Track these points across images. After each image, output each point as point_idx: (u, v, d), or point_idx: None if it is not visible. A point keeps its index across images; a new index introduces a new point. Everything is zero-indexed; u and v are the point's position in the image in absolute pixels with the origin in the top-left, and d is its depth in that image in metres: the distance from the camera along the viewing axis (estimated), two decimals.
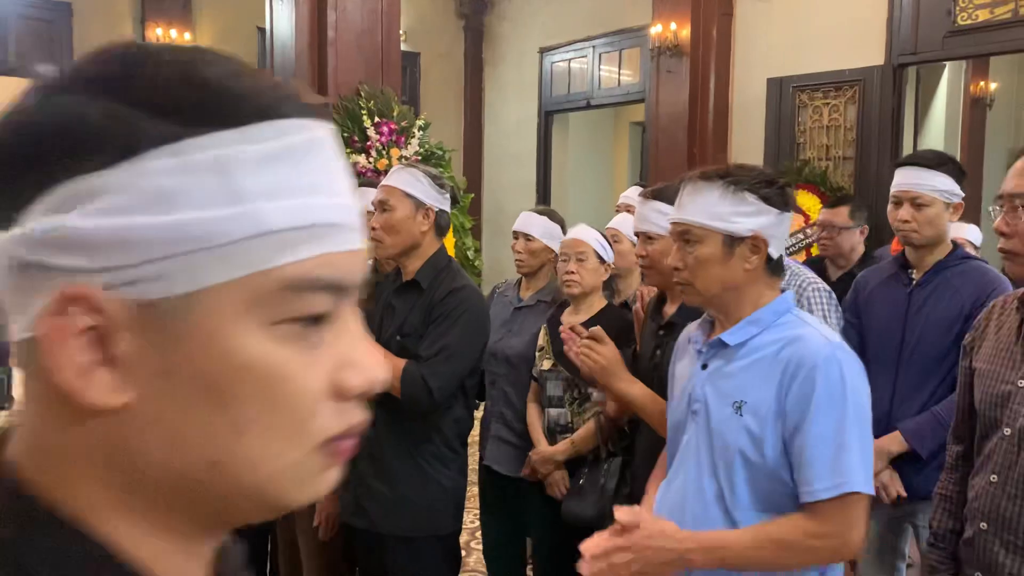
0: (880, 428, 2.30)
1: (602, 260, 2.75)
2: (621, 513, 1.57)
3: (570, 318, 2.72)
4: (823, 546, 1.49)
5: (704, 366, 1.65)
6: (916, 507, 2.40)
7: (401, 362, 2.37)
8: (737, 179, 1.58)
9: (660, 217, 2.03)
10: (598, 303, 2.75)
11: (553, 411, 2.75)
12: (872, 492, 1.51)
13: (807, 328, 1.57)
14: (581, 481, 2.56)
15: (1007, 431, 1.58)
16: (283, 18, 4.51)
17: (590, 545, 1.56)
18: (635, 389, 2.10)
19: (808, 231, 5.24)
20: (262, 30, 4.82)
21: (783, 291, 1.66)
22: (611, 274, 2.84)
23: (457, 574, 2.64)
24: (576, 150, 8.73)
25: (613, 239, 2.87)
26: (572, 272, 2.69)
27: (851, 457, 1.47)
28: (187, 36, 7.14)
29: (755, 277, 1.61)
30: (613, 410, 2.47)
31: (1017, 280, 1.62)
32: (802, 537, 1.49)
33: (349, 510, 2.53)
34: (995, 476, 1.60)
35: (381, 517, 2.45)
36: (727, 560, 1.53)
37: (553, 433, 2.74)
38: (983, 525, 1.61)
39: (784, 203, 1.61)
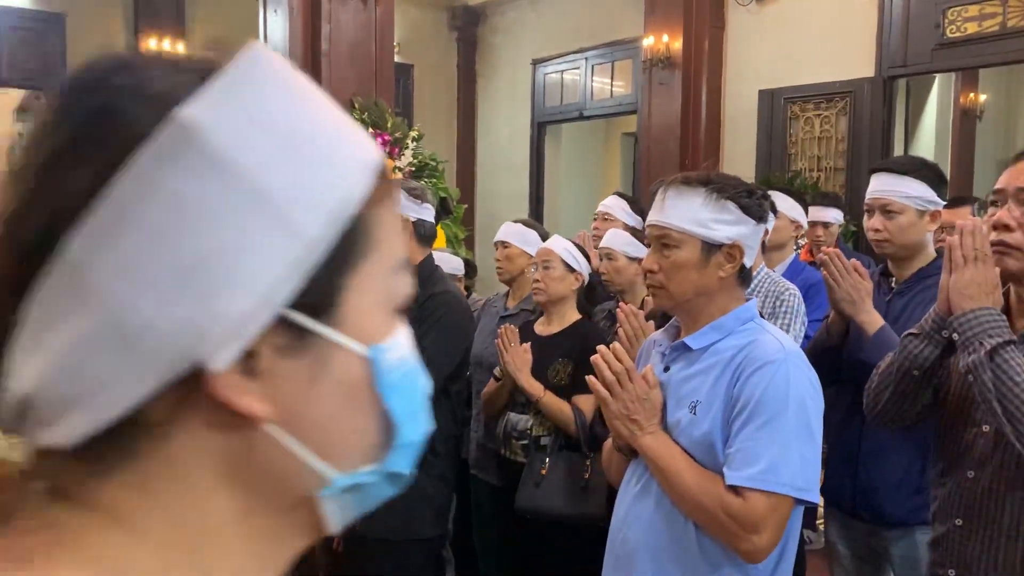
0: (855, 435, 2.29)
1: (571, 269, 2.74)
2: (650, 373, 1.64)
3: (541, 329, 2.78)
4: (729, 527, 1.49)
5: (666, 368, 1.67)
6: (888, 535, 2.32)
7: None
8: (720, 187, 1.59)
9: None
10: (571, 315, 2.76)
11: (514, 416, 2.73)
12: (813, 501, 1.51)
13: (766, 335, 1.59)
14: (543, 471, 2.54)
15: (985, 427, 1.59)
16: (277, 29, 4.52)
17: (609, 360, 1.62)
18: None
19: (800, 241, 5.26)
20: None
21: (748, 299, 1.68)
22: (616, 290, 2.86)
23: None
24: (568, 161, 8.76)
25: (607, 256, 2.86)
26: (538, 280, 2.74)
27: (788, 460, 1.48)
28: (181, 48, 7.15)
29: (727, 285, 1.63)
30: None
31: (1011, 278, 1.61)
32: (719, 510, 1.49)
33: None
34: (972, 472, 1.61)
35: (363, 521, 2.45)
36: (660, 473, 1.58)
37: (509, 438, 2.72)
38: (958, 521, 1.62)
39: (761, 214, 1.63)
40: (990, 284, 1.52)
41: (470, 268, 3.50)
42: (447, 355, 2.48)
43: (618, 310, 2.22)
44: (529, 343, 2.65)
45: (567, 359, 2.63)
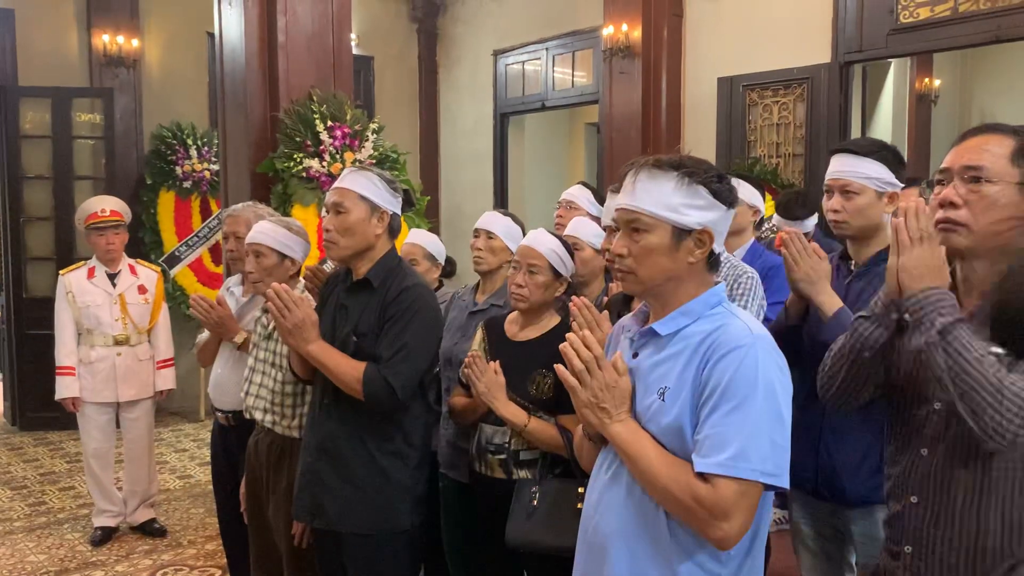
0: (817, 416, 2.30)
1: (558, 275, 2.57)
2: (620, 361, 1.62)
3: (515, 331, 2.61)
4: (698, 514, 1.48)
5: (635, 355, 1.66)
6: (850, 514, 2.35)
7: (361, 365, 2.37)
8: (692, 171, 1.58)
9: None
10: (549, 320, 2.58)
11: (489, 428, 2.54)
12: (784, 486, 1.51)
13: (734, 320, 1.58)
14: (534, 502, 2.35)
15: (937, 405, 1.61)
16: (232, 23, 4.45)
17: (578, 348, 1.59)
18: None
19: (763, 228, 5.30)
20: (212, 35, 4.77)
21: (717, 284, 1.67)
22: (574, 282, 2.71)
23: (419, 570, 2.63)
24: (532, 151, 8.76)
25: (573, 246, 2.71)
26: (521, 285, 2.54)
27: (758, 445, 1.47)
28: (135, 43, 7.03)
29: (696, 270, 1.62)
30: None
31: (957, 255, 1.63)
32: (689, 497, 1.48)
33: (306, 511, 2.52)
34: (925, 450, 1.63)
35: (339, 516, 2.45)
36: (630, 461, 1.57)
37: (484, 453, 2.53)
38: (913, 499, 1.64)
39: (731, 200, 1.63)
40: (937, 263, 1.54)
41: (450, 265, 3.44)
42: (427, 347, 2.47)
43: (571, 304, 2.20)
44: (498, 361, 2.47)
45: (548, 369, 2.38)
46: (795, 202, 4.45)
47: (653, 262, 1.60)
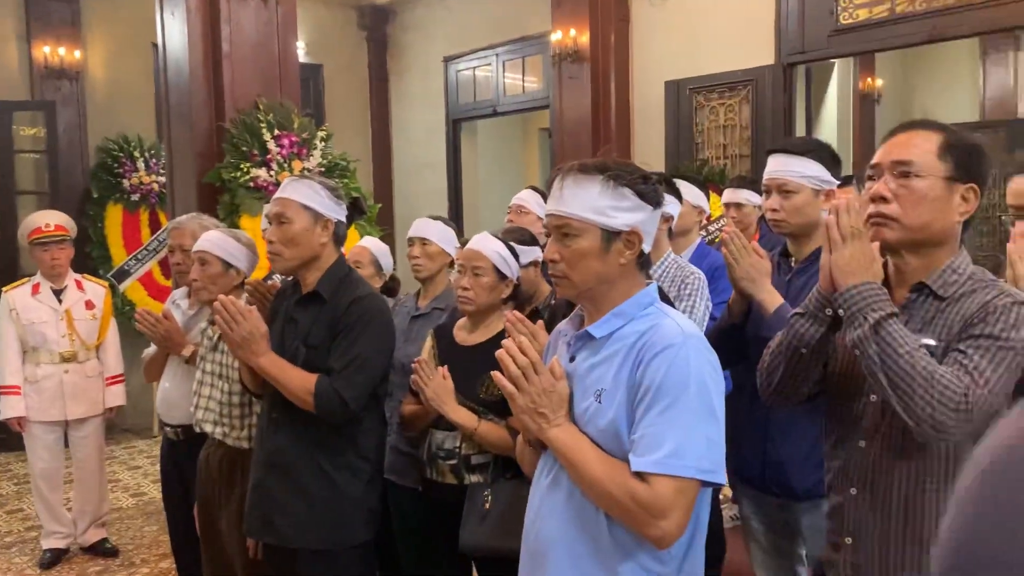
0: (763, 412, 2.33)
1: (503, 276, 2.56)
2: (557, 365, 1.63)
3: (464, 336, 2.60)
4: (636, 514, 1.49)
5: (572, 358, 1.67)
6: (798, 507, 2.39)
7: (312, 377, 2.35)
8: (616, 174, 1.59)
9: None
10: (498, 323, 2.53)
11: (440, 434, 2.51)
12: (720, 482, 1.52)
13: (666, 319, 1.60)
14: (487, 506, 2.35)
15: (873, 397, 1.65)
16: (175, 33, 4.40)
17: (514, 354, 1.60)
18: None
19: (711, 228, 5.38)
20: (157, 46, 4.70)
21: (649, 284, 1.69)
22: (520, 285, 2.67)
23: None
24: (486, 157, 8.77)
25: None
26: (467, 288, 2.53)
27: (693, 442, 1.48)
28: (77, 54, 6.90)
29: (628, 272, 1.64)
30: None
31: (889, 248, 1.67)
32: (626, 497, 1.49)
33: (258, 527, 2.49)
34: (863, 441, 1.67)
35: (292, 532, 2.43)
36: (569, 465, 1.58)
37: (435, 459, 2.50)
38: (853, 491, 1.67)
39: (657, 200, 1.65)
40: (869, 259, 1.58)
41: (393, 282, 3.42)
42: (380, 358, 2.45)
43: (506, 321, 2.20)
44: (447, 366, 2.46)
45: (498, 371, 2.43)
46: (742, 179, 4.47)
47: (585, 265, 1.61)
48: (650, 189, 1.62)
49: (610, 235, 1.60)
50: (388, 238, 6.89)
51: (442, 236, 3.04)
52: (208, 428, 2.82)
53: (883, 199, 1.63)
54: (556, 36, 6.38)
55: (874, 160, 1.69)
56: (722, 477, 1.53)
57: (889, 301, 1.56)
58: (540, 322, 2.14)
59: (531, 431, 1.64)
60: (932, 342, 1.57)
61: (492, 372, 1.66)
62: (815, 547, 2.36)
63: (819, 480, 2.28)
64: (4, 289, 4.44)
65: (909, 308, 1.64)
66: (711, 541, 1.72)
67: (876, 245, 1.61)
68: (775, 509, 2.49)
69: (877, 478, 1.64)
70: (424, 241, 3.03)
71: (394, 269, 3.54)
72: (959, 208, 1.63)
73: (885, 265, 1.69)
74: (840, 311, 1.59)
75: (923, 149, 1.63)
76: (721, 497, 4.00)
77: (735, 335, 2.36)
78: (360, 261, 3.29)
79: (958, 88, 8.48)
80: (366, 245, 3.40)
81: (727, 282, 2.71)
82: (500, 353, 1.62)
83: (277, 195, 2.49)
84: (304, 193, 2.44)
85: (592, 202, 1.59)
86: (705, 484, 1.53)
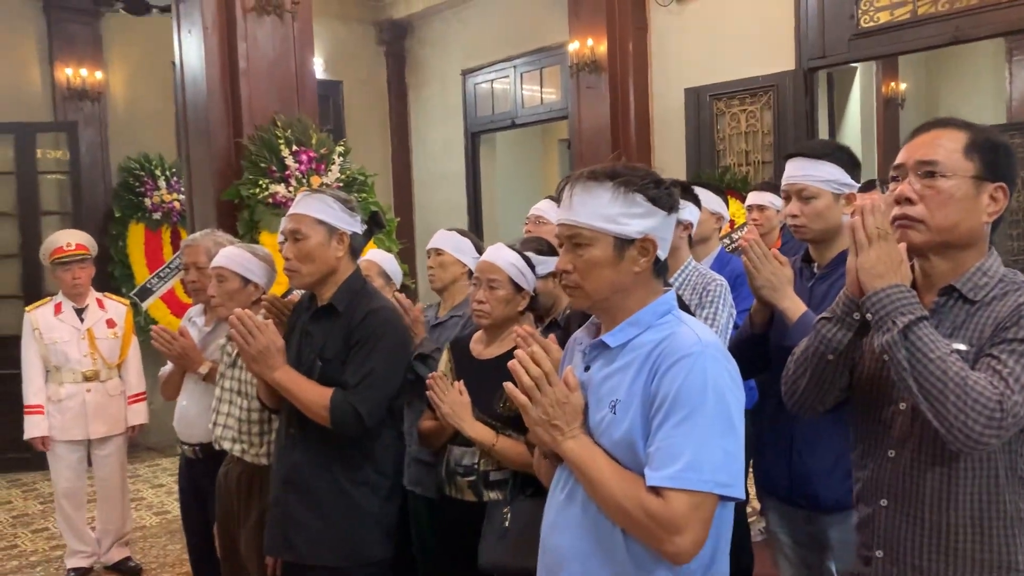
0: (788, 422, 2.26)
1: (519, 288, 2.52)
2: (571, 376, 1.58)
3: (481, 350, 2.55)
4: (651, 529, 1.44)
5: (587, 368, 1.63)
6: (826, 520, 2.32)
7: (328, 391, 2.32)
8: (627, 180, 1.55)
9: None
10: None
11: (458, 450, 2.47)
12: (739, 496, 1.47)
13: (683, 327, 1.55)
14: (506, 523, 2.30)
15: (903, 405, 1.59)
16: (192, 51, 4.42)
17: (527, 365, 1.56)
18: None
19: (734, 235, 5.31)
20: (175, 65, 4.73)
21: (666, 291, 1.64)
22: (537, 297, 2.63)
23: None
24: (504, 169, 8.76)
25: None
26: (482, 302, 2.49)
27: (710, 455, 1.43)
28: (99, 75, 6.97)
29: (643, 279, 1.59)
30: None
31: (915, 251, 1.61)
32: (640, 512, 1.44)
33: (276, 544, 2.47)
34: (893, 451, 1.60)
35: (308, 548, 2.40)
36: (583, 478, 1.53)
37: (453, 476, 2.46)
38: (883, 502, 1.61)
39: (671, 204, 1.59)
40: (896, 260, 1.52)
41: (407, 291, 3.40)
42: (395, 372, 2.42)
43: (515, 336, 2.15)
44: (463, 380, 2.42)
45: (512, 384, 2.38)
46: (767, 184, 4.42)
47: (598, 275, 1.57)
48: (662, 193, 1.57)
49: (623, 243, 1.56)
50: (408, 251, 6.89)
51: (456, 246, 3.04)
52: (227, 445, 2.80)
53: (908, 200, 1.58)
54: (574, 46, 6.35)
55: (898, 160, 1.64)
56: (740, 491, 1.47)
57: (919, 304, 1.50)
58: (552, 336, 2.09)
59: (545, 443, 1.59)
60: (963, 347, 1.51)
61: (505, 383, 1.61)
62: (845, 560, 2.29)
63: (847, 491, 2.21)
64: (27, 309, 4.46)
65: (938, 313, 1.58)
66: (738, 555, 1.66)
67: (903, 246, 1.55)
68: (802, 522, 2.42)
69: (908, 489, 1.58)
70: (438, 252, 3.05)
71: (413, 280, 3.53)
72: (987, 208, 1.57)
73: (912, 268, 1.63)
74: (868, 315, 1.53)
75: (948, 148, 1.58)
76: (749, 510, 3.93)
77: (756, 344, 2.30)
78: (368, 274, 3.27)
79: (983, 90, 8.36)
80: (372, 258, 3.39)
81: (749, 289, 2.66)
82: (512, 364, 1.58)
83: (291, 211, 2.47)
84: (317, 207, 2.43)
85: (603, 210, 1.55)
86: (723, 498, 1.47)
